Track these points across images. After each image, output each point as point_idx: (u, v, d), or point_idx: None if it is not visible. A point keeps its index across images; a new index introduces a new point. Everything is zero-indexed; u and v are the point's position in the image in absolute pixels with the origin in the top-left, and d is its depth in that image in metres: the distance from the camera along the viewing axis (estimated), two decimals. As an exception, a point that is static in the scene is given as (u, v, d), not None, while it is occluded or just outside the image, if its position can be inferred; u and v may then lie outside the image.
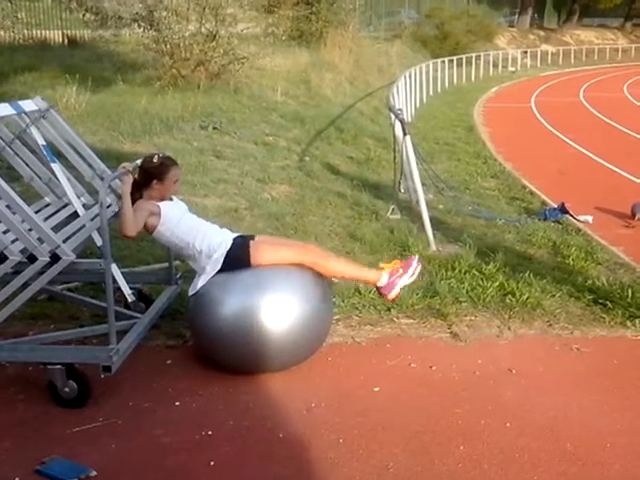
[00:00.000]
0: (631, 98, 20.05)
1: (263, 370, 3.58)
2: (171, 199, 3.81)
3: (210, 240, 3.64)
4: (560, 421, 3.22)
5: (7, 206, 3.19)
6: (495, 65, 29.70)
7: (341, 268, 3.80)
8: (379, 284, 3.77)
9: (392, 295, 3.77)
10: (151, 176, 3.71)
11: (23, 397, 3.37)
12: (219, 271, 3.59)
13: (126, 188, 3.56)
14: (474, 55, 27.02)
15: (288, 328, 3.49)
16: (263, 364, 3.56)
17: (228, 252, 3.59)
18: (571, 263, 5.30)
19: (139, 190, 3.67)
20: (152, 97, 11.43)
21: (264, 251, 3.62)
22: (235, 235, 3.76)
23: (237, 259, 3.59)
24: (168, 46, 13.13)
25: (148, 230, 3.68)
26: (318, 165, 8.85)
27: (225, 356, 3.56)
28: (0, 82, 11.43)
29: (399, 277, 3.76)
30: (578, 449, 3.00)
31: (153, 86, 12.25)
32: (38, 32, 17.24)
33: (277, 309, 3.48)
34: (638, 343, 4.09)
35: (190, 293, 3.69)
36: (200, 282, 3.63)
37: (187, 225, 3.69)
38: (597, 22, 47.87)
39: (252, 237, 3.77)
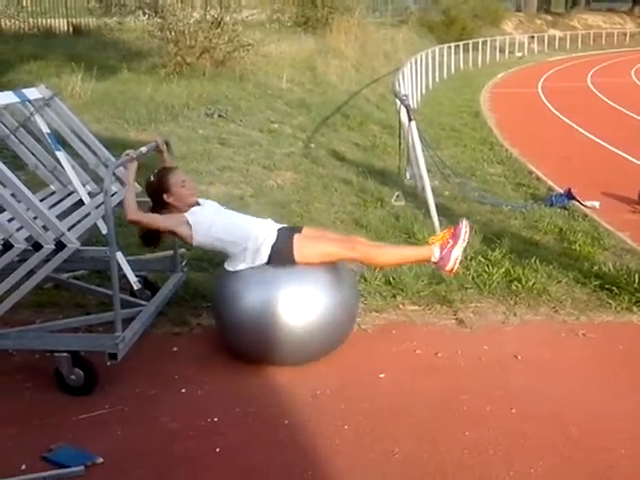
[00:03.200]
0: (639, 83, 19.91)
1: (284, 363, 3.56)
2: (198, 203, 3.69)
3: (254, 235, 3.52)
4: (566, 407, 3.22)
5: (12, 194, 3.20)
6: (502, 50, 29.52)
7: (393, 255, 3.72)
8: (433, 259, 3.62)
9: (449, 267, 3.58)
10: (159, 194, 3.63)
11: (30, 385, 3.39)
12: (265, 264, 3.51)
13: (130, 175, 3.56)
14: (480, 40, 26.84)
15: (314, 322, 3.45)
16: (284, 357, 3.54)
17: (273, 246, 3.49)
18: (577, 249, 5.28)
19: (161, 213, 3.64)
20: (157, 85, 11.41)
21: (308, 246, 3.51)
22: (279, 226, 3.65)
23: (281, 254, 3.48)
24: (173, 33, 13.09)
25: (186, 241, 3.61)
26: (324, 152, 8.83)
27: (245, 344, 3.55)
28: (5, 71, 11.43)
29: (451, 248, 3.58)
30: (584, 434, 3.00)
31: (158, 74, 12.22)
32: (43, 20, 17.23)
33: (305, 302, 3.46)
34: (644, 329, 4.08)
35: (228, 267, 3.59)
36: (241, 265, 3.53)
37: (223, 225, 3.56)
38: (605, 6, 47.42)
39: (299, 229, 3.67)
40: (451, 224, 5.85)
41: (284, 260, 3.48)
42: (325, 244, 3.56)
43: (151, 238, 3.77)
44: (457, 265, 3.60)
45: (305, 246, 3.50)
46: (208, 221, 3.56)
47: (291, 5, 21.46)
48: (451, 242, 3.61)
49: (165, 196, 3.63)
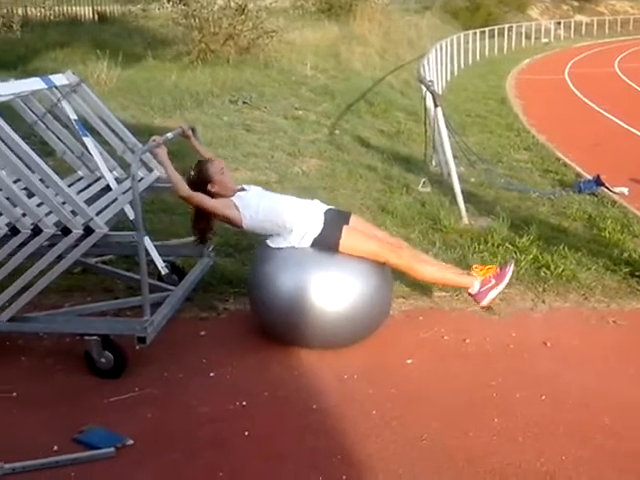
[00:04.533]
0: (668, 69, 19.60)
1: (310, 345, 3.56)
2: (244, 189, 3.72)
3: (301, 217, 3.53)
4: (596, 394, 3.19)
5: (41, 180, 3.22)
6: (528, 36, 29.18)
7: (434, 274, 3.73)
8: (470, 291, 3.70)
9: (484, 303, 3.69)
10: (203, 187, 3.64)
11: (61, 368, 3.42)
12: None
13: (163, 157, 3.58)
14: (506, 26, 26.58)
15: (346, 308, 3.46)
16: (310, 339, 3.54)
17: (320, 233, 3.50)
18: (607, 236, 5.21)
19: None
20: (182, 72, 11.45)
21: (356, 241, 3.51)
22: (326, 209, 3.67)
23: (327, 241, 3.50)
24: (197, 20, 13.12)
25: (237, 225, 3.63)
26: (348, 138, 8.80)
27: (278, 325, 3.56)
28: (32, 58, 11.54)
29: (491, 288, 3.65)
30: (615, 422, 2.97)
31: (183, 61, 12.26)
32: (69, 8, 17.32)
33: (339, 287, 3.46)
34: (676, 316, 4.02)
35: (270, 244, 3.60)
36: (285, 244, 3.54)
37: (270, 207, 3.58)
38: (633, -9, 46.65)
39: (346, 218, 3.66)
40: (477, 210, 5.87)
41: (328, 247, 3.50)
42: (373, 243, 3.56)
43: (204, 228, 3.81)
44: (491, 303, 3.73)
45: (353, 240, 3.51)
46: (255, 204, 3.60)
47: (315, -8, 21.39)
48: (493, 282, 3.68)
49: (209, 186, 3.65)
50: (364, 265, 3.53)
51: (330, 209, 3.70)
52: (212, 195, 3.65)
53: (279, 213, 3.57)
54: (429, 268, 3.70)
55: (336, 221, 3.56)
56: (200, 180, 3.67)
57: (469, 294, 3.74)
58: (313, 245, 3.51)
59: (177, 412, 3.05)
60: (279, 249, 3.55)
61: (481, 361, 3.51)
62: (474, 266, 3.86)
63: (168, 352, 3.53)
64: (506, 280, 3.70)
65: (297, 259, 3.52)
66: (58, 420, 2.99)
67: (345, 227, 3.54)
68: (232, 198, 3.62)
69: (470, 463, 2.71)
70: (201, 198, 3.60)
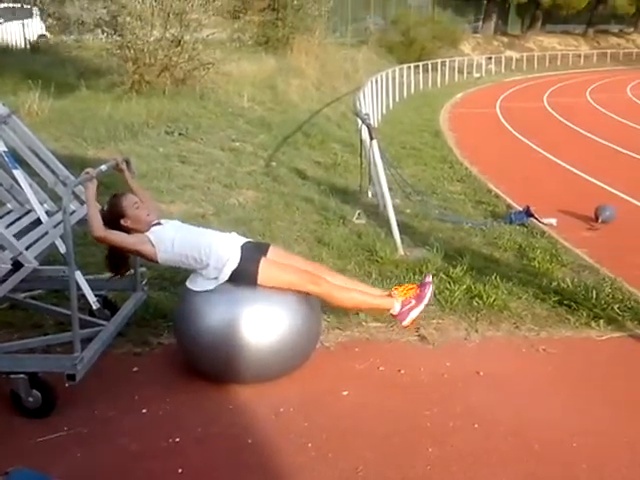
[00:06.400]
0: (593, 103, 20.36)
1: (241, 381, 3.53)
2: (159, 223, 3.67)
3: (217, 251, 3.48)
4: (527, 422, 3.24)
5: (-33, 213, 3.14)
6: (460, 71, 29.96)
7: (354, 300, 3.72)
8: (392, 312, 3.75)
9: (405, 323, 3.74)
10: (116, 221, 3.59)
11: (-15, 408, 3.30)
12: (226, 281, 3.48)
13: (90, 193, 3.50)
14: (439, 61, 27.24)
15: (275, 341, 3.45)
16: (242, 374, 3.51)
17: (237, 267, 3.45)
18: (536, 265, 5.35)
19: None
20: (116, 103, 11.33)
21: (273, 273, 3.48)
22: (243, 242, 3.63)
23: (245, 276, 3.46)
24: (132, 51, 13.02)
25: (153, 260, 3.57)
26: (285, 170, 8.85)
27: (206, 362, 3.52)
28: (-39, 88, 11.23)
29: (411, 308, 3.72)
30: (545, 449, 3.02)
31: (117, 92, 12.14)
32: (0, 37, 17.01)
33: (266, 321, 3.45)
34: (602, 343, 4.13)
35: (190, 286, 3.56)
36: (206, 285, 3.49)
37: (185, 241, 3.54)
38: (560, 28, 48.47)
39: (264, 250, 3.64)
40: (412, 241, 5.96)
41: (246, 281, 3.47)
42: (291, 275, 3.53)
43: (118, 263, 3.76)
44: (412, 323, 3.78)
45: (270, 273, 3.48)
46: (170, 238, 3.55)
47: (252, 25, 21.52)
48: (413, 302, 3.75)
49: (122, 221, 3.60)
50: (290, 297, 3.52)
51: (248, 242, 3.67)
52: (126, 230, 3.60)
53: (194, 246, 3.52)
54: (348, 294, 3.70)
55: (253, 254, 3.54)
56: (113, 215, 3.60)
57: (391, 315, 3.79)
58: (231, 279, 3.46)
59: (108, 451, 2.98)
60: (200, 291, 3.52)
61: (416, 391, 3.54)
62: (394, 287, 3.91)
63: (99, 389, 3.44)
64: (426, 300, 3.76)
65: (220, 297, 3.48)
66: (-18, 462, 2.88)
67: (263, 260, 3.51)
68: (147, 233, 3.57)
69: (405, 494, 2.73)
70: (115, 237, 3.54)
